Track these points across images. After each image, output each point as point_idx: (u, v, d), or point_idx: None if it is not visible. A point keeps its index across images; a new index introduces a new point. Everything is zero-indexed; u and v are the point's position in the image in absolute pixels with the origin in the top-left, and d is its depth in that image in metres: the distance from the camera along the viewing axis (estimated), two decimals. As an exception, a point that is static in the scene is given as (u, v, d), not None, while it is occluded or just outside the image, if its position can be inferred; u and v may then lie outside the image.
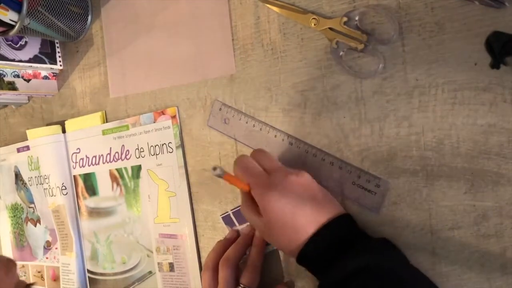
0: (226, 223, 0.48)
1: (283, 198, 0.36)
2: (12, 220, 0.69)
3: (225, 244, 0.45)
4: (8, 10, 0.46)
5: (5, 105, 0.68)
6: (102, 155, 0.56)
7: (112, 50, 0.56)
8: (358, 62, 0.40)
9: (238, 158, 0.40)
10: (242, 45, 0.46)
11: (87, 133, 0.58)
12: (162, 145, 0.51)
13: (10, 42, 0.54)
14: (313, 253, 0.35)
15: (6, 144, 0.68)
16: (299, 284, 0.43)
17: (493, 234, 0.35)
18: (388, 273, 0.33)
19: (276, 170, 0.38)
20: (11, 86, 0.58)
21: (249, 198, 0.39)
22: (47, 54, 0.58)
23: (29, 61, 0.56)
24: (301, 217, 0.35)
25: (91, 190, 0.58)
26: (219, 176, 0.36)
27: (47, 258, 0.64)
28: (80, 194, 0.59)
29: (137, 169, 0.53)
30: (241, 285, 0.41)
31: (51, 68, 0.59)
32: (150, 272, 0.53)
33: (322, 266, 0.35)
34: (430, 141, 0.37)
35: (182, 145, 0.50)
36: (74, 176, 0.59)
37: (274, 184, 0.37)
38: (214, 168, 0.35)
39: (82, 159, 0.58)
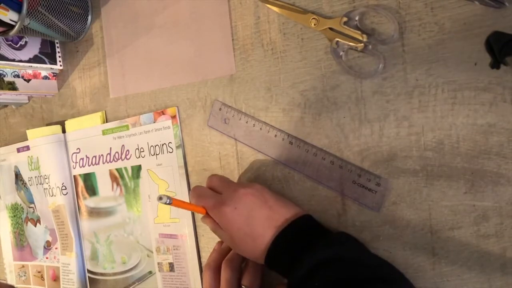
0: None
1: (235, 211, 0.38)
2: (12, 220, 0.69)
3: (227, 245, 0.45)
4: (8, 10, 0.46)
5: (5, 105, 0.68)
6: (102, 155, 0.56)
7: (112, 50, 0.56)
8: (358, 62, 0.40)
9: (191, 189, 0.43)
10: (242, 45, 0.46)
11: (87, 133, 0.58)
12: (162, 145, 0.51)
13: (10, 42, 0.54)
14: (277, 256, 0.36)
15: (6, 144, 0.68)
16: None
17: (493, 234, 0.35)
18: (351, 261, 0.34)
19: (227, 188, 0.41)
20: (11, 86, 0.58)
21: (213, 219, 0.41)
22: (47, 54, 0.58)
23: (29, 61, 0.56)
24: (256, 225, 0.37)
25: (91, 190, 0.58)
26: (167, 203, 0.36)
27: (47, 258, 0.64)
28: (80, 194, 0.59)
29: (137, 169, 0.53)
30: (243, 286, 0.41)
31: (51, 68, 0.59)
32: (150, 272, 0.53)
33: (288, 267, 0.36)
34: (430, 141, 0.37)
35: (182, 145, 0.50)
36: (74, 176, 0.59)
37: (225, 200, 0.39)
38: (160, 198, 0.36)
39: (82, 159, 0.58)
